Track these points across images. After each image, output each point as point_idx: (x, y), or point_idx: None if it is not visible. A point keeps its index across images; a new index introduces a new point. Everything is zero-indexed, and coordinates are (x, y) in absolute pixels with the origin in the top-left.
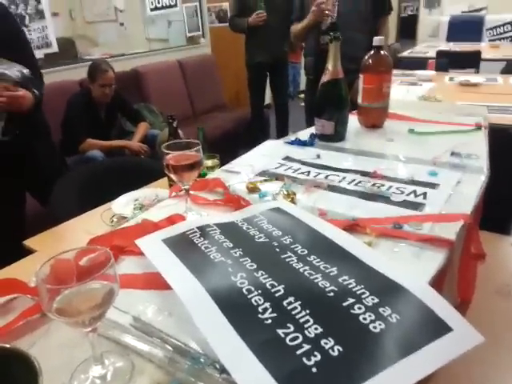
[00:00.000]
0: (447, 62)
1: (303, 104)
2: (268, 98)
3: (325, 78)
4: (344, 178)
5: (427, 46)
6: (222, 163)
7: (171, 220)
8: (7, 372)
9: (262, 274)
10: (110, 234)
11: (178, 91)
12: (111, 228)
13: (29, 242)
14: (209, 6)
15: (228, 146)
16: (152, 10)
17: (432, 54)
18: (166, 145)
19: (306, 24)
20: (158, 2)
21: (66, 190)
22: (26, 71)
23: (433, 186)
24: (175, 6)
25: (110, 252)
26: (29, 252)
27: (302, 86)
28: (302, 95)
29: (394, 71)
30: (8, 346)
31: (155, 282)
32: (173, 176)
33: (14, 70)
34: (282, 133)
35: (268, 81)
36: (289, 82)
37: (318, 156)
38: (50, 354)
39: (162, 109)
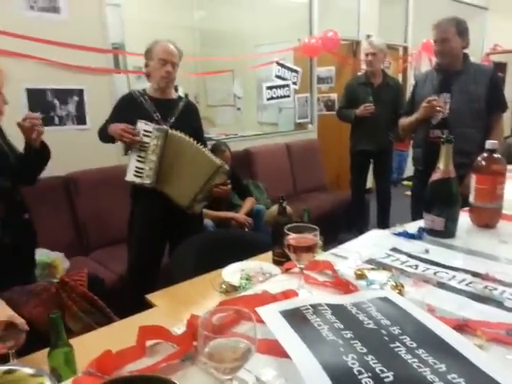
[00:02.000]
0: None
1: (408, 192)
2: (370, 182)
3: (435, 176)
4: (454, 276)
5: None
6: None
7: (286, 294)
8: None
9: (372, 359)
10: (236, 299)
11: (283, 171)
12: (220, 293)
13: (150, 297)
14: (319, 96)
15: (327, 227)
16: (268, 99)
17: None
18: (288, 226)
19: (415, 118)
20: (274, 93)
21: (184, 254)
22: None
23: None
24: (288, 96)
25: (253, 317)
26: (148, 305)
27: (407, 173)
28: (406, 182)
29: (509, 167)
30: (164, 377)
31: (274, 348)
32: (292, 255)
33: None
34: (382, 219)
35: (371, 166)
36: (393, 168)
37: (427, 251)
38: None
39: (267, 186)
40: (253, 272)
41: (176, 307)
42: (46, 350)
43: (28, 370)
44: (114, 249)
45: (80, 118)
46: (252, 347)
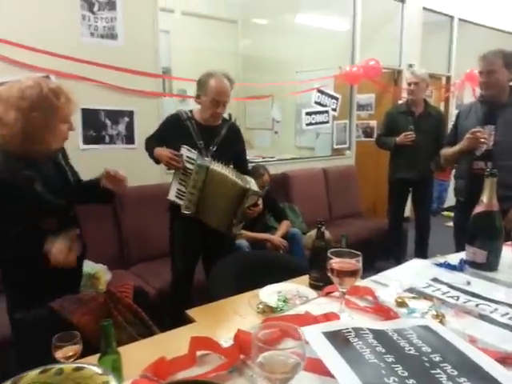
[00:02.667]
0: None
1: (448, 223)
2: (408, 211)
3: (479, 209)
4: (496, 309)
5: None
6: None
7: (328, 317)
8: None
9: (414, 383)
10: (279, 317)
11: (319, 196)
12: (257, 313)
13: (190, 312)
14: (357, 122)
15: (363, 254)
16: (307, 124)
17: None
18: (331, 251)
19: (458, 149)
20: (313, 119)
21: (222, 272)
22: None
23: None
24: (327, 122)
25: (302, 333)
26: (187, 320)
27: (447, 203)
28: (446, 212)
29: None
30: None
31: (317, 367)
32: (334, 279)
33: (253, 184)
34: (420, 249)
35: (410, 195)
36: (433, 198)
37: (468, 282)
38: None
39: (303, 210)
40: (289, 294)
41: (214, 324)
42: (94, 356)
43: (95, 369)
44: (153, 264)
45: (129, 138)
46: (301, 362)
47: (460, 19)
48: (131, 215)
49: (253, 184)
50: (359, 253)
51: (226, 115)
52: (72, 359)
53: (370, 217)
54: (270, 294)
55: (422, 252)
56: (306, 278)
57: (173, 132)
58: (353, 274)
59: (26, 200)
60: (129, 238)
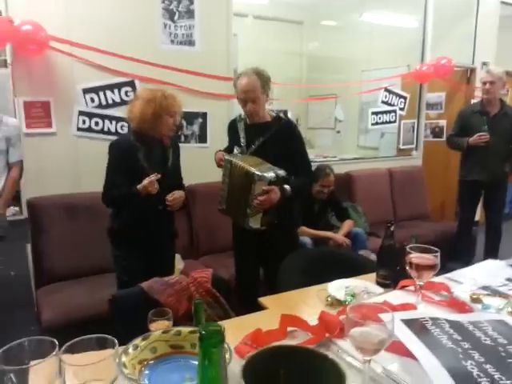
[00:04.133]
0: None
1: None
2: (478, 214)
3: None
4: None
5: None
6: None
7: (405, 307)
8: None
9: (490, 367)
10: (360, 305)
11: (383, 196)
12: (326, 305)
13: (263, 300)
14: (426, 122)
15: None
16: (373, 124)
17: None
18: (409, 246)
19: None
20: (379, 119)
21: (291, 267)
22: (280, 172)
23: None
24: (394, 122)
25: (392, 313)
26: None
27: None
28: None
29: None
30: (321, 352)
31: (396, 348)
32: (413, 272)
33: (271, 172)
34: (490, 253)
35: (482, 198)
36: (506, 202)
37: None
38: None
39: (366, 210)
40: (357, 290)
41: (285, 311)
42: None
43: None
44: (220, 256)
45: (202, 138)
46: (388, 338)
47: None
48: (201, 209)
49: (269, 171)
50: (437, 249)
51: (293, 117)
52: None
53: (438, 219)
54: (337, 288)
55: (491, 258)
56: (371, 276)
57: (231, 135)
58: (431, 268)
59: (129, 161)
60: (199, 230)
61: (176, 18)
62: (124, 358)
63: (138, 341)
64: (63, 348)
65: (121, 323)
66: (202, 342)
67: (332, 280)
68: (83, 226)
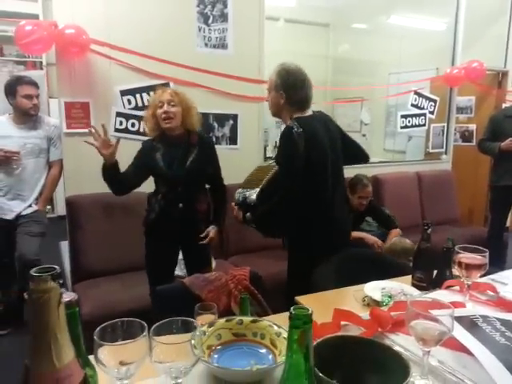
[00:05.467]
0: None
1: None
2: (510, 220)
3: None
4: None
5: None
6: None
7: (454, 305)
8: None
9: None
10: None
11: (411, 200)
12: (363, 305)
13: (299, 299)
14: (455, 126)
15: None
16: (402, 127)
17: None
18: (459, 246)
19: None
20: (409, 122)
21: (327, 268)
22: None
23: None
24: (424, 125)
25: (452, 308)
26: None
27: None
28: None
29: None
30: (383, 342)
31: (451, 343)
32: (461, 272)
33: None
34: None
35: None
36: None
37: None
38: None
39: (393, 213)
40: (394, 291)
41: (322, 310)
42: None
43: (268, 322)
44: (248, 256)
45: (232, 139)
46: (447, 331)
47: None
48: (231, 210)
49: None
50: (486, 249)
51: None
52: None
53: (466, 224)
54: (373, 289)
55: None
56: (406, 279)
57: None
58: (479, 267)
59: (146, 160)
60: (228, 230)
61: (210, 21)
62: (193, 342)
63: (205, 327)
64: (152, 329)
65: (162, 316)
66: (292, 322)
67: (362, 281)
68: (119, 223)
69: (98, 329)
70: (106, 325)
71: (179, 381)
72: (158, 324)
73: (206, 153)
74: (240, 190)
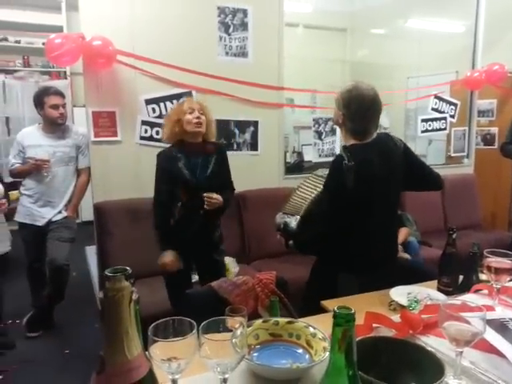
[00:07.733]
0: None
1: None
2: None
3: None
4: None
5: None
6: None
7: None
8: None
9: None
10: (435, 305)
11: (433, 205)
12: (389, 310)
13: (325, 303)
14: (476, 129)
15: None
16: (422, 131)
17: None
18: (487, 250)
19: None
20: (429, 126)
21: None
22: (292, 223)
23: None
24: (445, 129)
25: (485, 311)
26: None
27: None
28: None
29: None
30: (417, 343)
31: (482, 345)
32: (491, 276)
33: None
34: None
35: None
36: None
37: None
38: None
39: (416, 218)
40: (420, 296)
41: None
42: None
43: (304, 324)
44: (270, 261)
45: (253, 145)
46: (480, 333)
47: None
48: (252, 215)
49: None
50: None
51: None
52: None
53: (490, 229)
54: (400, 294)
55: None
56: (432, 284)
57: None
58: (509, 271)
59: (171, 171)
60: (250, 235)
61: (231, 30)
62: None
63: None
64: (201, 326)
65: (193, 319)
66: (336, 321)
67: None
68: (145, 229)
69: (152, 326)
70: (158, 322)
71: (226, 376)
72: (206, 322)
73: (223, 157)
74: (281, 214)
